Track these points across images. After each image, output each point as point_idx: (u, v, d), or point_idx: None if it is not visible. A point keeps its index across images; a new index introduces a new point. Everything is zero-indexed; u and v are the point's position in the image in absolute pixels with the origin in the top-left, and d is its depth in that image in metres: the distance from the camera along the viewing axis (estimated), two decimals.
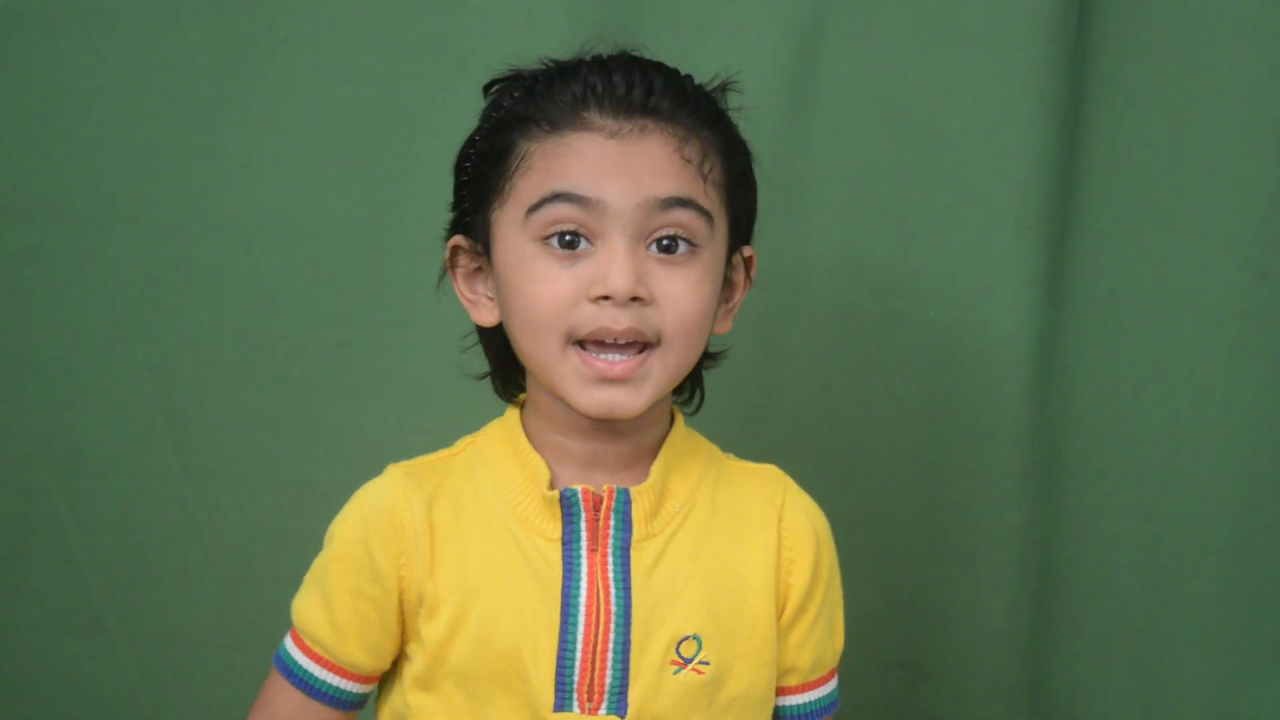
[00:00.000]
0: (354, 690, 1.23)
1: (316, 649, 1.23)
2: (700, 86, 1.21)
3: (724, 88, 1.23)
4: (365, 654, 1.21)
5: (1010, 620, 1.70)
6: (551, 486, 1.19)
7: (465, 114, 1.63)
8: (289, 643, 1.25)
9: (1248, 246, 1.66)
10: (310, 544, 1.63)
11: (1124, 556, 1.71)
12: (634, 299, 1.12)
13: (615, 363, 1.14)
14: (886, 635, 1.69)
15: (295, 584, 1.65)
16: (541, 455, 1.21)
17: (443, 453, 1.26)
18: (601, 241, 1.13)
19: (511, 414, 1.25)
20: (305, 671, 1.23)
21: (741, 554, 1.22)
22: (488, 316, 1.22)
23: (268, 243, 1.66)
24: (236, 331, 1.67)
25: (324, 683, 1.22)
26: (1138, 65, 1.67)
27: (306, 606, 1.24)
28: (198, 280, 1.67)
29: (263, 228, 1.66)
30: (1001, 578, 1.69)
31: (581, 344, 1.14)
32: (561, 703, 1.15)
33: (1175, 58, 1.66)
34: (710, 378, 1.29)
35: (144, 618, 1.69)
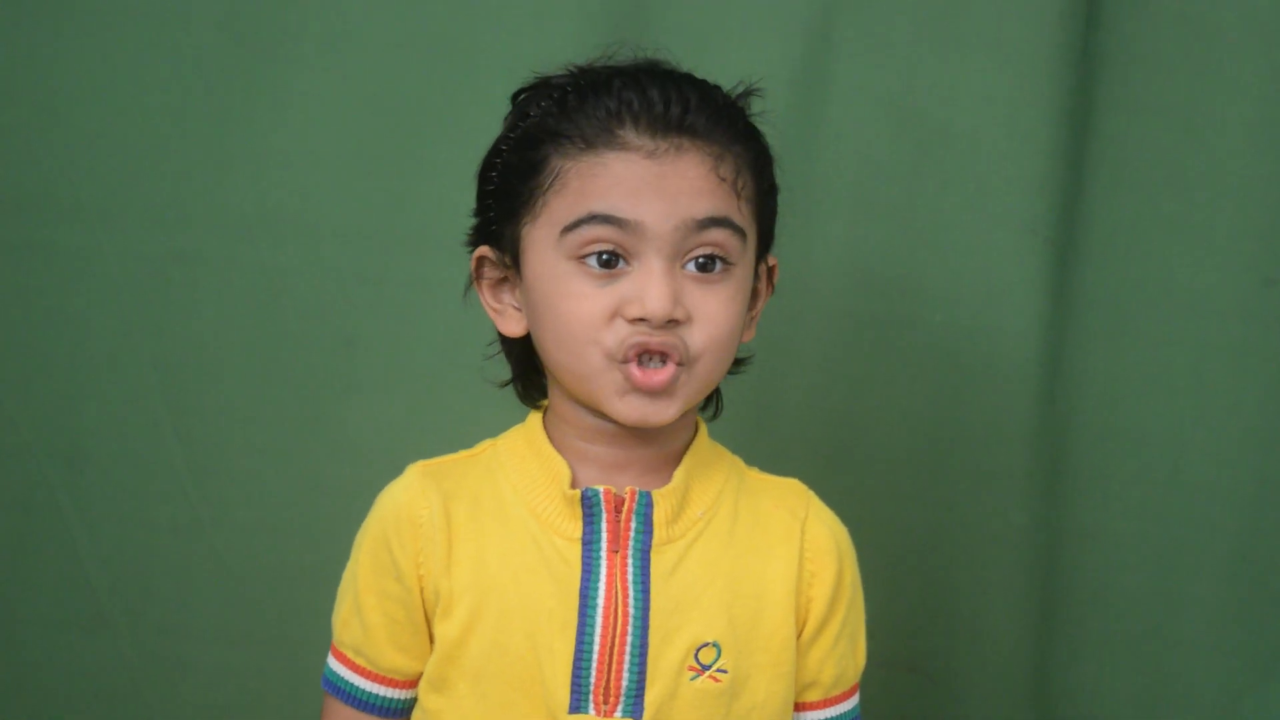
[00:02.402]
0: (399, 697, 1.23)
1: (356, 659, 1.22)
2: (729, 97, 1.20)
3: (747, 94, 1.22)
4: (399, 654, 1.21)
5: (1015, 622, 1.70)
6: (573, 487, 1.19)
7: (473, 111, 1.63)
8: (331, 659, 1.25)
9: (1254, 252, 1.67)
10: (313, 539, 1.64)
11: (1129, 559, 1.71)
12: (670, 320, 1.12)
13: (654, 371, 1.13)
14: (891, 637, 1.68)
15: (298, 579, 1.66)
16: (564, 457, 1.20)
17: (463, 453, 1.25)
18: (638, 261, 1.13)
19: (533, 418, 1.24)
20: (349, 685, 1.23)
21: (762, 564, 1.22)
22: (514, 327, 1.22)
23: (273, 239, 1.66)
24: (242, 327, 1.67)
25: (369, 694, 1.22)
26: (1145, 70, 1.67)
27: (340, 614, 1.24)
28: (203, 276, 1.67)
29: (268, 223, 1.66)
30: (1006, 580, 1.69)
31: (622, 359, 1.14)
32: (577, 704, 1.15)
33: (1183, 62, 1.66)
34: (721, 385, 1.29)
35: (147, 612, 1.69)
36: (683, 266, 1.14)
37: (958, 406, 1.68)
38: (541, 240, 1.15)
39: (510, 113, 1.21)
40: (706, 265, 1.14)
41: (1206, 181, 1.67)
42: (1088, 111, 1.66)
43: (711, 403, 1.28)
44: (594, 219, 1.12)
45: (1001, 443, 1.67)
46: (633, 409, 1.14)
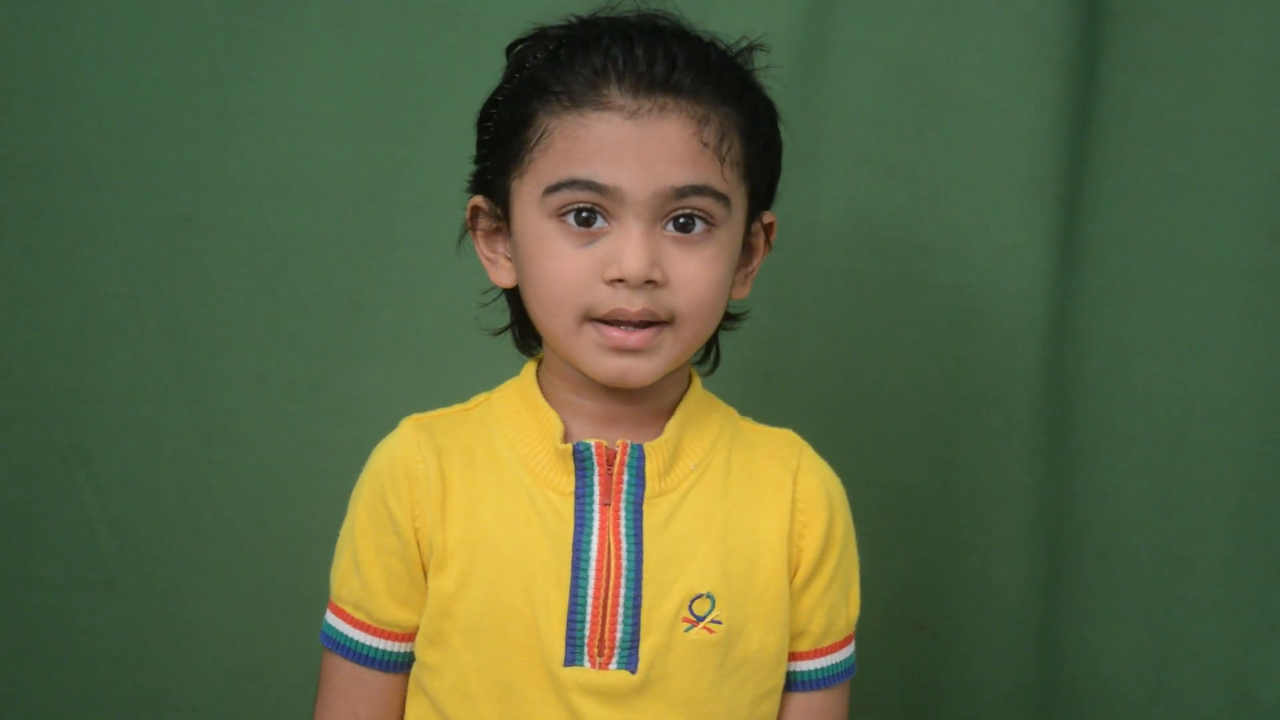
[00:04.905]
0: (399, 650, 1.23)
1: (356, 613, 1.23)
2: (724, 53, 1.19)
3: (750, 50, 1.22)
4: (399, 608, 1.21)
5: (1021, 582, 1.70)
6: (565, 440, 1.20)
7: (477, 73, 1.61)
8: (329, 614, 1.25)
9: (1260, 209, 1.66)
10: (321, 502, 1.63)
11: (1134, 518, 1.71)
12: (648, 281, 1.13)
13: (631, 333, 1.14)
14: (898, 596, 1.69)
15: (306, 542, 1.66)
16: (556, 411, 1.21)
17: (457, 407, 1.26)
18: (617, 222, 1.13)
19: (527, 371, 1.25)
20: (349, 640, 1.23)
21: (755, 515, 1.22)
22: (505, 278, 1.23)
23: (279, 202, 1.67)
24: (248, 291, 1.68)
25: (370, 648, 1.23)
26: (1151, 27, 1.66)
27: (339, 570, 1.25)
28: (210, 239, 1.67)
29: (274, 187, 1.67)
30: (1013, 539, 1.69)
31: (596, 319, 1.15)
32: (572, 657, 1.16)
33: (1188, 20, 1.66)
34: (722, 338, 1.29)
35: (156, 575, 1.70)
36: (663, 227, 1.14)
37: (964, 365, 1.68)
38: (528, 197, 1.16)
39: (508, 63, 1.22)
40: (686, 225, 1.15)
41: (1212, 139, 1.66)
42: (1093, 69, 1.66)
43: (709, 356, 1.29)
44: (574, 184, 1.13)
45: (1007, 401, 1.67)
46: (609, 368, 1.15)
